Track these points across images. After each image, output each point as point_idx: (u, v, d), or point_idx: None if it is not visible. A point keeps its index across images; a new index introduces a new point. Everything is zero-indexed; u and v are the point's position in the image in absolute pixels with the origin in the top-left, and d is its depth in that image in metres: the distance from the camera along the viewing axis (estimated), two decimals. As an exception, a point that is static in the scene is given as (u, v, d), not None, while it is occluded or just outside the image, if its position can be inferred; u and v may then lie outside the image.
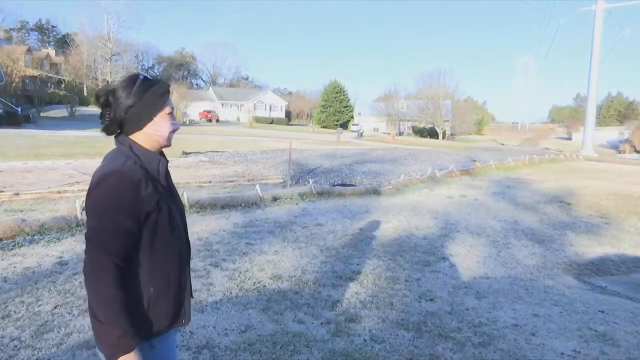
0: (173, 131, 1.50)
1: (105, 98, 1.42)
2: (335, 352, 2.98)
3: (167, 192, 1.50)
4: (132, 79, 1.44)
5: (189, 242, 1.64)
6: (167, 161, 1.54)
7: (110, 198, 1.33)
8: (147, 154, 1.45)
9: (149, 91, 1.44)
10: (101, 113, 1.45)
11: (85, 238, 1.37)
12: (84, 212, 5.01)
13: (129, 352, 1.33)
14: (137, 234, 1.37)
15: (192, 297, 1.75)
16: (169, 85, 1.51)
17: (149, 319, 1.43)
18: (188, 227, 1.73)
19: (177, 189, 1.66)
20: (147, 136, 1.45)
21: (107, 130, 1.45)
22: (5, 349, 2.84)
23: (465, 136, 57.22)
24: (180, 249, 1.51)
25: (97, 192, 1.34)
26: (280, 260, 4.94)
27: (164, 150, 1.56)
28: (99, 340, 1.36)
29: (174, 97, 49.33)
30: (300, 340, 3.12)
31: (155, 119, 1.45)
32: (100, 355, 1.47)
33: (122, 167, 1.36)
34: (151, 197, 1.39)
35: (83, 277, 1.37)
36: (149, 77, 1.47)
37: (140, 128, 1.44)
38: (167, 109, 1.48)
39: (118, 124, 1.43)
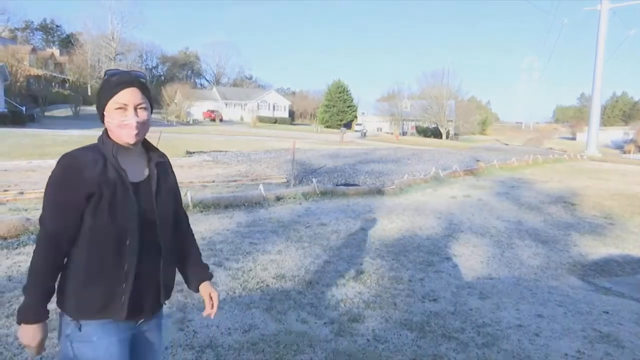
0: (122, 127, 1.42)
1: None
2: (339, 352, 2.98)
3: (144, 183, 1.48)
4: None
5: (156, 236, 1.50)
6: (153, 156, 1.55)
7: (56, 179, 1.39)
8: (108, 143, 1.46)
9: (105, 84, 1.46)
10: None
11: None
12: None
13: (28, 323, 1.41)
14: (78, 214, 1.39)
15: (163, 297, 1.57)
16: (131, 78, 1.44)
17: (76, 298, 1.44)
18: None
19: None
20: (109, 129, 1.48)
21: None
22: (10, 347, 2.86)
23: (468, 136, 57.13)
24: (121, 236, 1.40)
25: (50, 175, 1.42)
26: (284, 259, 4.94)
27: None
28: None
29: (177, 96, 49.44)
30: (304, 340, 3.12)
31: (105, 112, 1.46)
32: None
33: (74, 151, 1.42)
34: (95, 179, 1.36)
35: None
36: (117, 71, 1.47)
37: (102, 120, 1.49)
38: (114, 104, 1.42)
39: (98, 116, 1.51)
